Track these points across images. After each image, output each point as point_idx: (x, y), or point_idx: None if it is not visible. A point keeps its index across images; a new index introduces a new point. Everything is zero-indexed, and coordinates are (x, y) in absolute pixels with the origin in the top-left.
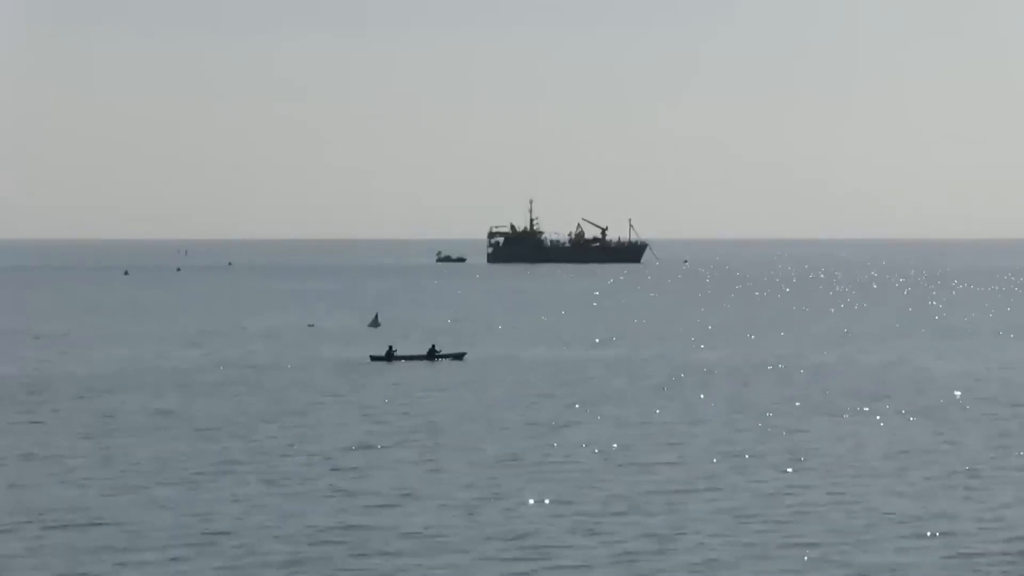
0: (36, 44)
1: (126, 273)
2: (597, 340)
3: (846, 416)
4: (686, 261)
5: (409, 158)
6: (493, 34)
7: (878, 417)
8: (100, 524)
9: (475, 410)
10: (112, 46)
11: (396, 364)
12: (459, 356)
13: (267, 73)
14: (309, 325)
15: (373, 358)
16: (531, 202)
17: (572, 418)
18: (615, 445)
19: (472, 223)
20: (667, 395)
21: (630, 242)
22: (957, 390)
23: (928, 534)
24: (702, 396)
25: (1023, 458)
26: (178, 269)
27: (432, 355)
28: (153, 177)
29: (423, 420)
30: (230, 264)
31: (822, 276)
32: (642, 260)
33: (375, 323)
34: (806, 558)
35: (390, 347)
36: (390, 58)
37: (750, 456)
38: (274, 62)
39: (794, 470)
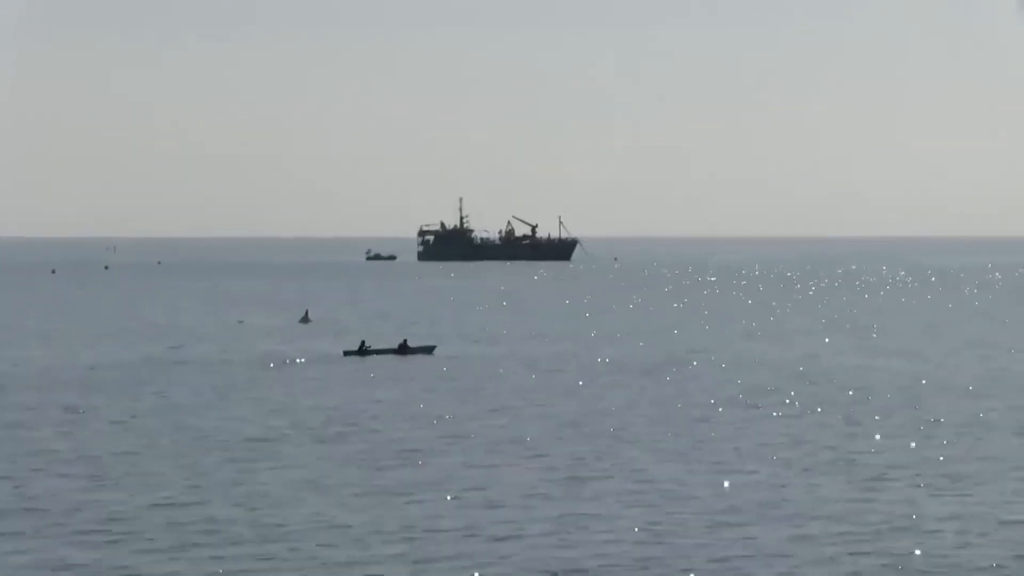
0: None
1: (53, 271)
2: (519, 335)
3: (730, 410)
4: (616, 259)
5: (338, 155)
6: (422, 32)
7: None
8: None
9: (389, 406)
10: (53, 44)
11: (368, 358)
12: (429, 350)
13: (194, 70)
14: (239, 321)
15: (346, 353)
16: (461, 200)
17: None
18: (528, 438)
19: (402, 221)
20: (573, 390)
21: (560, 240)
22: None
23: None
24: (600, 389)
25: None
26: (106, 267)
27: (403, 349)
28: (81, 174)
29: (335, 414)
30: (159, 263)
31: (755, 274)
32: (572, 258)
33: (305, 319)
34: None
35: (362, 342)
36: (321, 55)
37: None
38: (204, 60)
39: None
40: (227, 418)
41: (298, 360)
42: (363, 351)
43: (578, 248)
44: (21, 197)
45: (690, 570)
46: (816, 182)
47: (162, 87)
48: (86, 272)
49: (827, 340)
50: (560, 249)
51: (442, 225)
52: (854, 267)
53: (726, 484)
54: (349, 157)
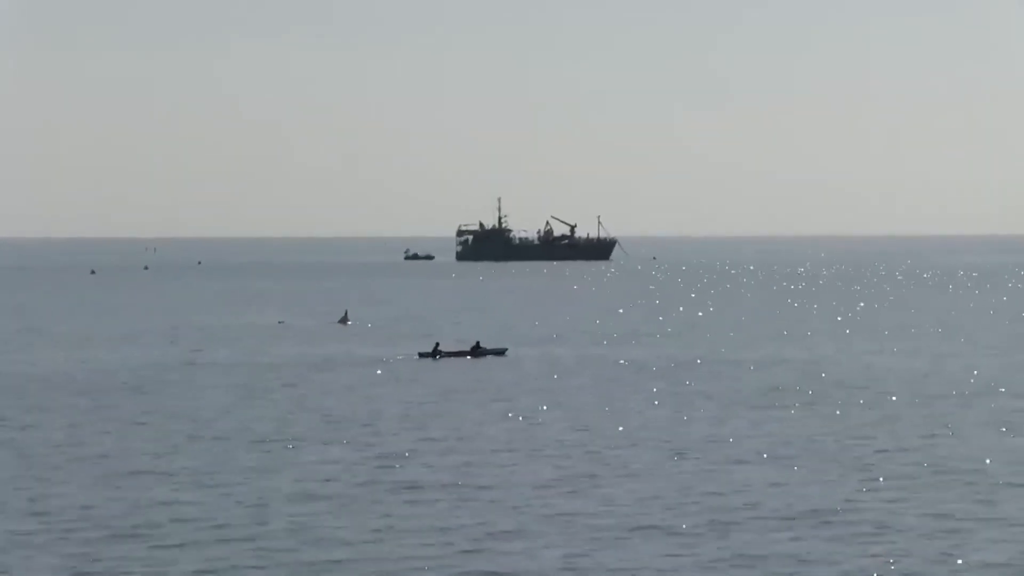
0: (4, 47)
1: (93, 272)
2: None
3: (760, 411)
4: (654, 258)
5: (377, 155)
6: (462, 32)
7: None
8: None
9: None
10: (81, 46)
11: (441, 361)
12: (501, 352)
13: (237, 72)
14: (279, 322)
15: (421, 355)
16: (500, 200)
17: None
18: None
19: (441, 221)
20: (586, 386)
21: (599, 239)
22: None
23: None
24: (626, 388)
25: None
26: (146, 268)
27: (476, 351)
28: (122, 174)
29: (367, 411)
30: (200, 263)
31: (800, 272)
32: (611, 257)
33: (344, 320)
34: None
35: (436, 344)
36: (359, 56)
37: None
38: (245, 62)
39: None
40: (269, 419)
41: (338, 361)
42: (437, 353)
43: (617, 248)
44: (62, 198)
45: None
46: (857, 180)
47: (208, 87)
48: (126, 273)
49: (853, 340)
50: (599, 249)
51: (480, 225)
52: (909, 262)
53: (745, 483)
54: (388, 157)
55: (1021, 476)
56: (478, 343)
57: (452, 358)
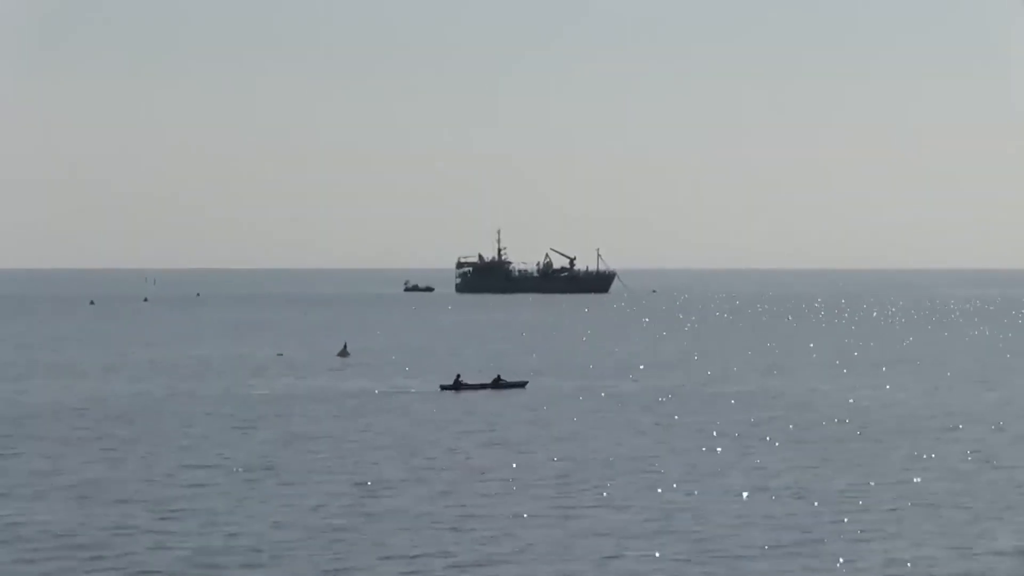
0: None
1: (92, 303)
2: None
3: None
4: (654, 291)
5: (376, 187)
6: (459, 63)
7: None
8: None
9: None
10: (81, 74)
11: (463, 393)
12: (521, 385)
13: (236, 100)
14: (278, 355)
15: (443, 387)
16: (499, 232)
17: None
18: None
19: (440, 253)
20: (575, 417)
21: (598, 272)
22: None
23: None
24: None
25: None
26: (145, 299)
27: (497, 384)
28: (120, 205)
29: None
30: (198, 295)
31: (791, 308)
32: (610, 290)
33: (344, 353)
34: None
35: (457, 376)
36: (357, 82)
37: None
38: (244, 91)
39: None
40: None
41: (339, 393)
42: (458, 386)
43: (616, 281)
44: (61, 228)
45: None
46: (857, 214)
47: (200, 119)
48: (124, 304)
49: (845, 374)
50: (598, 281)
51: (480, 257)
52: (902, 303)
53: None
54: (388, 188)
55: (999, 508)
56: (499, 376)
57: (472, 391)
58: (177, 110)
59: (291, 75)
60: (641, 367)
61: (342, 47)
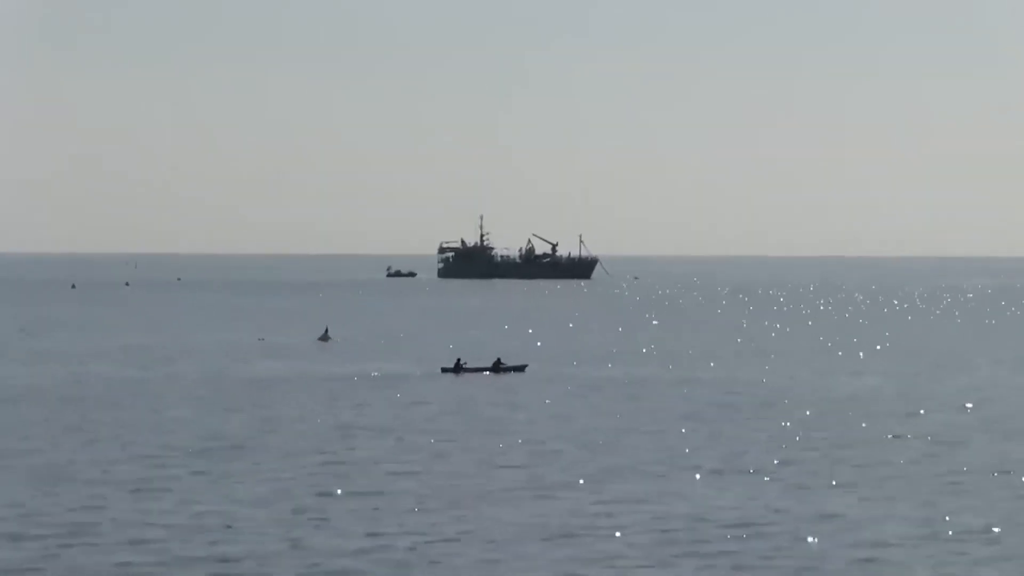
0: None
1: (73, 287)
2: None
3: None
4: (636, 277)
5: (357, 172)
6: (442, 51)
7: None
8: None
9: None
10: (64, 64)
11: (463, 376)
12: (521, 368)
13: (217, 92)
14: (259, 339)
15: (443, 370)
16: (481, 217)
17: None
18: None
19: (423, 238)
20: (541, 408)
21: (580, 258)
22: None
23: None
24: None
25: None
26: (127, 284)
27: (497, 367)
28: (103, 189)
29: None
30: (179, 279)
31: (771, 294)
32: (592, 276)
33: (325, 337)
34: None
35: (458, 359)
36: (339, 75)
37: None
38: (225, 82)
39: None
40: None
41: (316, 376)
42: (459, 368)
43: (598, 267)
44: (44, 213)
45: None
46: (840, 200)
47: (187, 105)
48: (106, 289)
49: (814, 361)
50: (580, 268)
51: (462, 242)
52: (874, 287)
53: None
54: (370, 174)
55: (959, 490)
56: (499, 360)
57: (472, 374)
58: (153, 97)
59: (268, 65)
60: (614, 351)
61: (320, 35)
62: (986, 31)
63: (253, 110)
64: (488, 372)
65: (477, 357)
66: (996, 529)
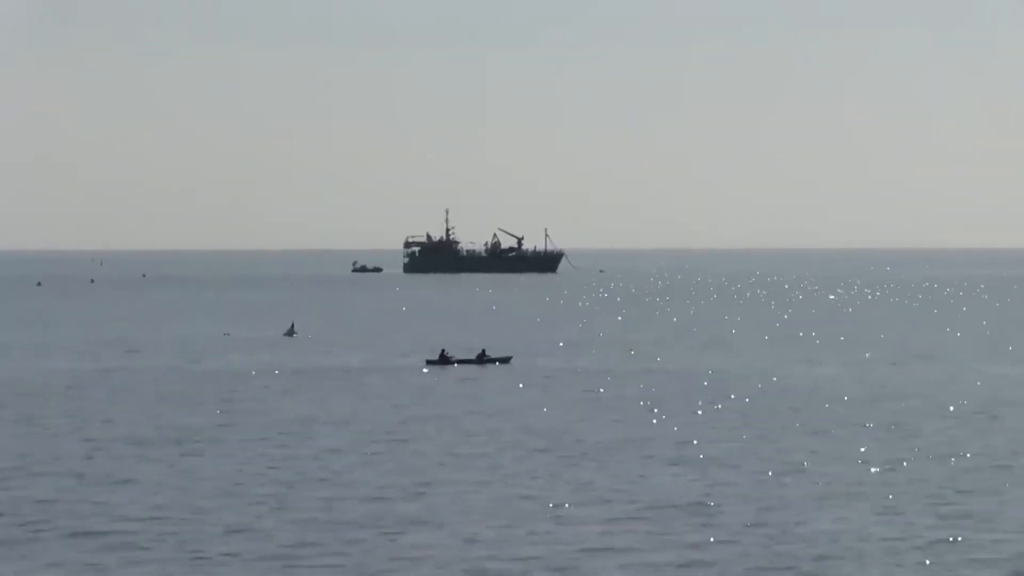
0: None
1: (39, 284)
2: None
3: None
4: (602, 271)
5: (325, 167)
6: (405, 44)
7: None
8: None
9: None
10: (31, 62)
11: (449, 367)
12: (506, 360)
13: (181, 84)
14: (225, 334)
15: (429, 362)
16: (447, 212)
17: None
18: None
19: (388, 233)
20: (519, 394)
21: (546, 252)
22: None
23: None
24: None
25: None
26: (92, 280)
27: (482, 359)
28: (68, 187)
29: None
30: (144, 276)
31: (738, 287)
32: (558, 270)
33: (291, 332)
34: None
35: (443, 351)
36: (308, 66)
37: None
38: (191, 74)
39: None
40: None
41: (275, 372)
42: (444, 360)
43: (564, 260)
44: (9, 210)
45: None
46: (812, 192)
47: (152, 98)
48: (71, 285)
49: (776, 351)
50: (546, 262)
51: (428, 237)
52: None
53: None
54: (335, 169)
55: (918, 478)
56: (484, 351)
57: (459, 365)
58: (116, 93)
59: (239, 58)
60: (578, 343)
61: (286, 32)
62: (984, 26)
63: (218, 107)
64: (474, 363)
65: (448, 350)
66: (947, 509)
